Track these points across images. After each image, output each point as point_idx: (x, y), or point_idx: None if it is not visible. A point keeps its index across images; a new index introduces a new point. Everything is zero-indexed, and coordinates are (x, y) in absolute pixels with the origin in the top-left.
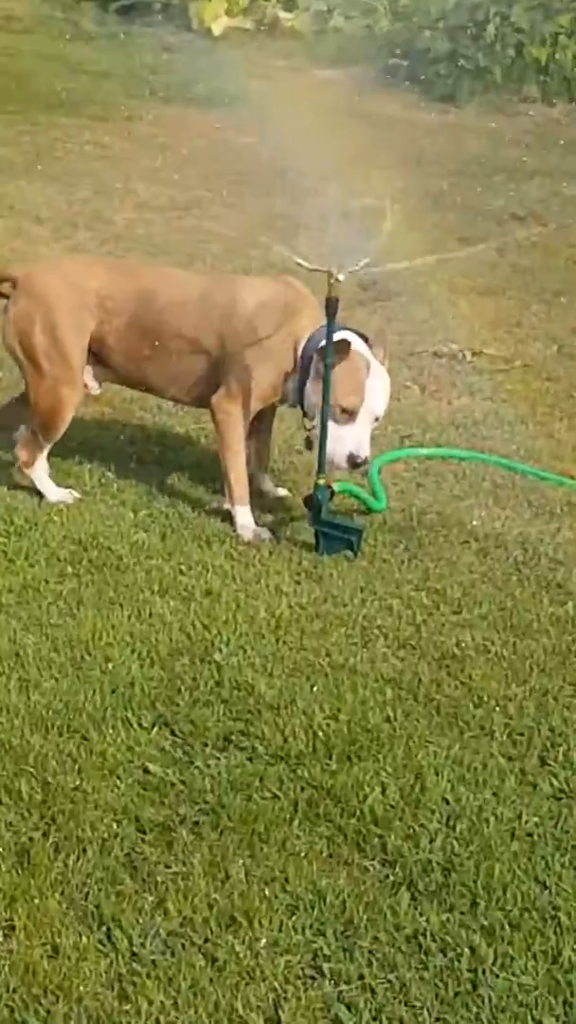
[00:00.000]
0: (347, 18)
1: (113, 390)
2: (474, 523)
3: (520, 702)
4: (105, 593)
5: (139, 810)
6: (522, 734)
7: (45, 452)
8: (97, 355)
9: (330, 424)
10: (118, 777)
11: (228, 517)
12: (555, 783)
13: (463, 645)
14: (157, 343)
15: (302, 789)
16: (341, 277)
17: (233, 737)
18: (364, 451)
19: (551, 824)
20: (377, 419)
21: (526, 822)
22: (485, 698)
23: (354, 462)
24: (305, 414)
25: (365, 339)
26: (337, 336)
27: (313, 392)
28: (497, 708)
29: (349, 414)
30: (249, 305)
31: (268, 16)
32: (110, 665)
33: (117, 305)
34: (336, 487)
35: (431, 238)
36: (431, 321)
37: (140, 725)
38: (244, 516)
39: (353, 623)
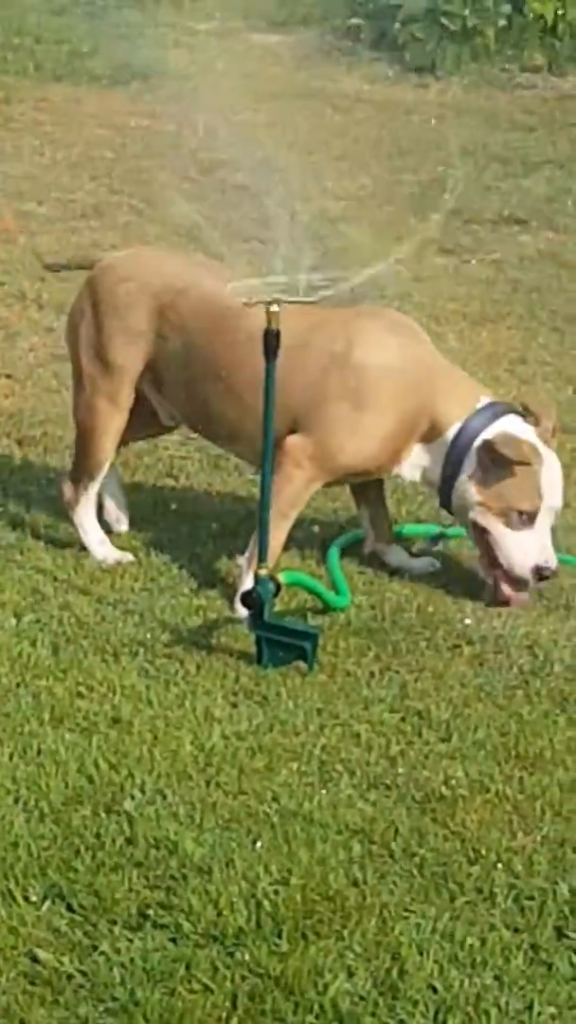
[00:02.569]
0: None
1: None
2: (466, 622)
3: (529, 856)
4: None
5: (25, 1012)
6: (532, 898)
7: (90, 490)
8: (156, 380)
9: (506, 531)
10: None
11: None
12: None
13: (453, 783)
14: (225, 382)
15: (242, 978)
16: (275, 308)
17: (150, 912)
18: (552, 560)
19: (572, 1016)
20: (557, 514)
21: (539, 1014)
22: (483, 852)
23: (542, 575)
24: (451, 512)
25: (523, 413)
26: (500, 428)
27: (477, 493)
28: (499, 865)
29: (528, 517)
30: (371, 362)
31: None
32: None
33: (181, 320)
34: (284, 578)
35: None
36: None
37: (26, 899)
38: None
39: (308, 757)
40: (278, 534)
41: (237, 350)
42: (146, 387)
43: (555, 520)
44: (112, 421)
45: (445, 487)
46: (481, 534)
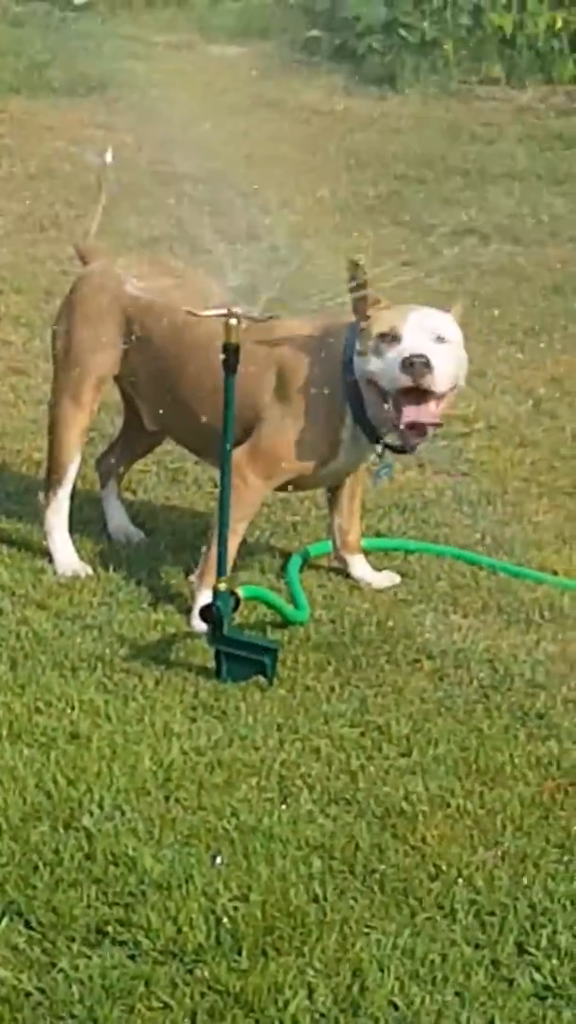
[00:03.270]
0: None
1: None
2: (426, 636)
3: (490, 872)
4: None
5: None
6: (493, 913)
7: (59, 494)
8: (133, 384)
9: (376, 360)
10: None
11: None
12: (537, 977)
13: (414, 798)
14: (188, 387)
15: (202, 995)
16: (234, 321)
17: (109, 928)
18: (418, 348)
19: None
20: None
21: None
22: (444, 867)
23: (411, 362)
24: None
25: None
26: None
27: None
28: (460, 880)
29: (390, 337)
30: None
31: None
32: None
33: (147, 329)
34: (242, 592)
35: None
36: None
37: None
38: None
39: (268, 772)
40: (229, 547)
41: (199, 357)
42: (129, 390)
43: (430, 339)
44: (73, 421)
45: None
46: (367, 388)
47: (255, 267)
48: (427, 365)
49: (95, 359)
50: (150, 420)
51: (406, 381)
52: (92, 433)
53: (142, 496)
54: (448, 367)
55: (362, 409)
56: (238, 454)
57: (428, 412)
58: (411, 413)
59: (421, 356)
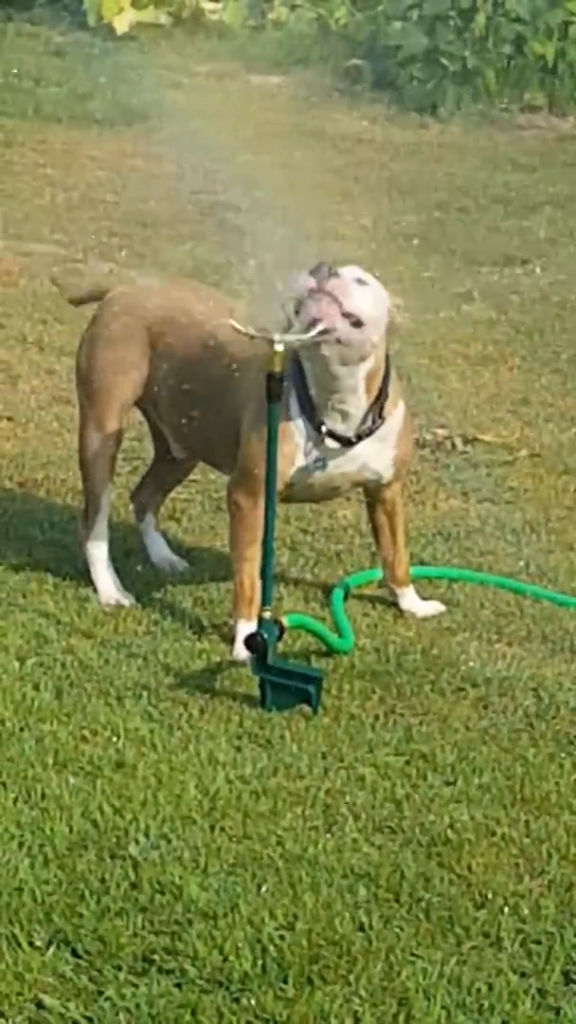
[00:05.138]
0: (292, 8)
1: None
2: (471, 664)
3: (536, 900)
4: None
5: None
6: (539, 942)
7: (96, 523)
8: (156, 409)
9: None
10: (2, 1015)
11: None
12: None
13: (459, 826)
14: (213, 408)
15: (248, 1023)
16: (279, 346)
17: (155, 957)
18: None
19: None
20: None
21: None
22: (490, 896)
23: (317, 268)
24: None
25: None
26: None
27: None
28: (506, 909)
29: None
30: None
31: (188, 7)
32: None
33: (170, 349)
34: (287, 621)
35: (408, 290)
36: (411, 399)
37: (31, 944)
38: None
39: (313, 801)
40: (243, 576)
41: (221, 377)
42: (152, 416)
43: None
44: (102, 449)
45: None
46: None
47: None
48: (333, 272)
49: (118, 384)
50: (176, 445)
51: (310, 282)
52: (136, 462)
53: (186, 524)
54: (356, 289)
55: (306, 395)
56: (228, 482)
57: (331, 311)
58: (312, 309)
59: (326, 265)
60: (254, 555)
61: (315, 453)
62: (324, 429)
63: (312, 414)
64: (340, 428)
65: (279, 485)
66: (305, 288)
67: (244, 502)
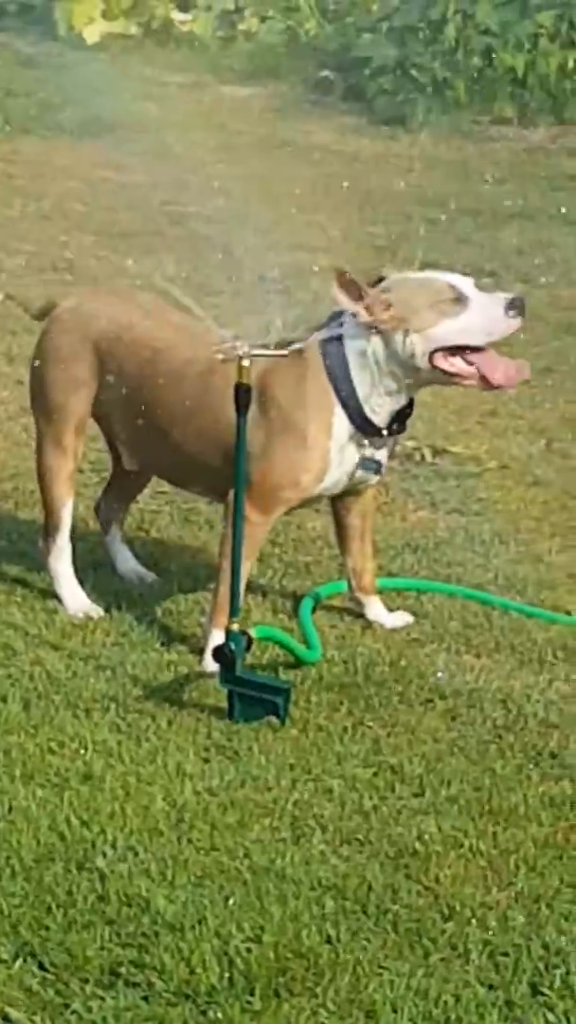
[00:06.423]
0: (262, 19)
1: None
2: (439, 676)
3: (503, 912)
4: None
5: None
6: (506, 954)
7: (58, 538)
8: (108, 424)
9: (448, 323)
10: None
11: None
12: (551, 1018)
13: (427, 838)
14: (164, 419)
15: None
16: (246, 362)
17: (122, 969)
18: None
19: None
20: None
21: None
22: (457, 908)
23: (513, 305)
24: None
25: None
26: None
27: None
28: (473, 921)
29: (452, 300)
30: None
31: (158, 18)
32: None
33: (119, 364)
34: (255, 633)
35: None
36: None
37: None
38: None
39: (280, 812)
40: (228, 587)
41: (171, 389)
42: (105, 428)
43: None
44: (59, 468)
45: (348, 388)
46: (439, 356)
47: (267, 304)
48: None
49: (70, 402)
50: (128, 459)
51: (514, 323)
52: (105, 472)
53: (155, 535)
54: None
55: (350, 390)
56: (231, 493)
57: (518, 369)
58: (500, 377)
59: (520, 297)
60: (247, 570)
61: (351, 448)
62: (371, 420)
63: (357, 409)
64: (377, 419)
65: (315, 488)
66: (504, 330)
67: (256, 517)
